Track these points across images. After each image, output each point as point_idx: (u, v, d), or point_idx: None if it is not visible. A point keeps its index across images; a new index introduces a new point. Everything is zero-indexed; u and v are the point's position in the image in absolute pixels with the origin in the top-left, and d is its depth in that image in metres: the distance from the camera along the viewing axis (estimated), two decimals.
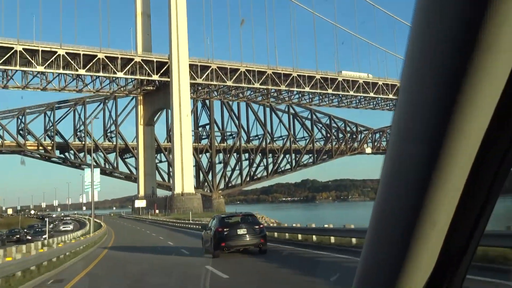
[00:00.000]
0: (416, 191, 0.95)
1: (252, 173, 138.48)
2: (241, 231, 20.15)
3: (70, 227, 62.19)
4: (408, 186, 0.97)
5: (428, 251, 0.98)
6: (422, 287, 1.01)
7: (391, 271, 1.02)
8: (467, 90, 0.84)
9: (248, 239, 20.16)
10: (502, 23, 0.79)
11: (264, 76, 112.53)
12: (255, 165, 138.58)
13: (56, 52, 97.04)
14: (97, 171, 49.80)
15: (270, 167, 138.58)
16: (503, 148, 0.92)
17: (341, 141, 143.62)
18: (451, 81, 0.86)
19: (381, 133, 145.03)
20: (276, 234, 28.75)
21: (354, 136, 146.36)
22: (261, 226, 21.29)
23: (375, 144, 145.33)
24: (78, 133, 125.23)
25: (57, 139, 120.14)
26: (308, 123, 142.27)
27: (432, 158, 0.91)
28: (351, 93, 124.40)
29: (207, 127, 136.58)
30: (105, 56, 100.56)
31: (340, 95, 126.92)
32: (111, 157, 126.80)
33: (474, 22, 0.81)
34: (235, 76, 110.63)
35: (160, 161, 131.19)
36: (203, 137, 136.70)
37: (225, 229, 20.11)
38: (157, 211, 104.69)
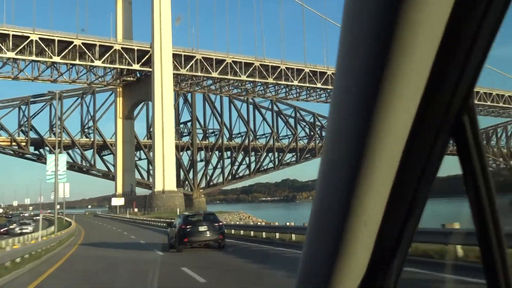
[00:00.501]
0: (346, 191, 0.92)
1: (234, 171, 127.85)
2: (202, 228, 21.37)
3: (29, 228, 49.37)
4: (340, 185, 0.94)
5: (361, 249, 0.95)
6: (358, 283, 0.98)
7: (328, 268, 0.98)
8: (389, 88, 0.83)
9: (208, 235, 21.33)
10: (418, 21, 0.78)
11: (251, 69, 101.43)
12: (237, 163, 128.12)
13: (28, 37, 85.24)
14: (62, 157, 37.28)
15: (253, 165, 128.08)
16: (428, 143, 0.90)
17: None
18: (374, 79, 0.84)
19: None
20: (252, 232, 29.49)
21: None
22: (220, 223, 22.67)
23: None
24: (54, 129, 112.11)
25: (32, 134, 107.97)
26: (292, 121, 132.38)
27: (360, 157, 0.88)
28: None
29: (189, 124, 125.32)
30: (82, 43, 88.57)
31: (329, 90, 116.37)
32: (89, 154, 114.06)
33: (392, 21, 0.80)
34: (221, 68, 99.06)
35: (140, 159, 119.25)
36: (184, 134, 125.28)
37: (188, 226, 21.16)
38: (135, 209, 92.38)
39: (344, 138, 0.92)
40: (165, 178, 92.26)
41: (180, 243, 20.92)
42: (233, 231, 32.01)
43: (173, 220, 28.86)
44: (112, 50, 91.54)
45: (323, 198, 0.99)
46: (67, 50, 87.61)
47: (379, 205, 0.92)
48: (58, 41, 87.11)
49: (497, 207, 0.88)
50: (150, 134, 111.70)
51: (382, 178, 0.90)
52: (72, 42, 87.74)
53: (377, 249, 0.96)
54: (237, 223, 56.49)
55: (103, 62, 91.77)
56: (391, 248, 0.97)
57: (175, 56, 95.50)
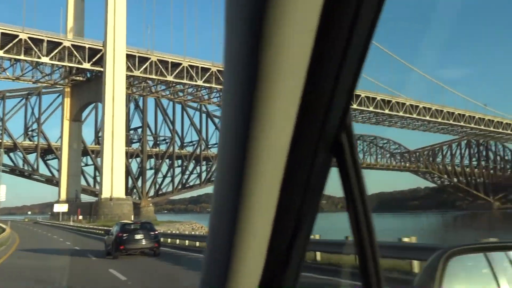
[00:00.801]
0: (234, 203, 0.91)
1: (184, 180, 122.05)
2: (138, 236, 21.95)
3: None
4: (228, 196, 0.93)
5: (253, 261, 0.94)
6: None
7: (224, 279, 0.97)
8: (266, 90, 0.81)
9: (144, 243, 22.02)
10: (283, 24, 0.77)
11: (208, 74, 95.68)
12: (188, 172, 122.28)
13: None
14: None
15: (204, 175, 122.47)
16: (308, 159, 0.89)
17: None
18: (251, 82, 0.81)
19: None
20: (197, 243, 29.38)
21: None
22: (156, 232, 23.37)
23: None
24: None
25: None
26: None
27: (244, 167, 0.86)
28: None
29: (139, 130, 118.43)
30: (29, 37, 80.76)
31: None
32: (32, 158, 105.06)
33: (259, 23, 0.78)
34: (177, 71, 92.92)
35: (86, 165, 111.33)
36: (134, 140, 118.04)
37: (124, 234, 21.68)
38: (80, 217, 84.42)
39: (229, 148, 0.90)
40: (113, 185, 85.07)
41: (116, 250, 21.47)
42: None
43: (110, 228, 29.03)
44: (61, 46, 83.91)
45: (217, 209, 0.98)
46: (11, 44, 79.60)
47: (266, 218, 0.91)
48: (2, 33, 78.97)
49: (372, 221, 0.91)
50: (98, 140, 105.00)
51: (267, 190, 0.88)
52: (17, 36, 79.76)
53: (269, 260, 0.95)
54: (193, 233, 50.73)
55: (51, 59, 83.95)
56: (283, 259, 0.96)
57: (129, 57, 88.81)
